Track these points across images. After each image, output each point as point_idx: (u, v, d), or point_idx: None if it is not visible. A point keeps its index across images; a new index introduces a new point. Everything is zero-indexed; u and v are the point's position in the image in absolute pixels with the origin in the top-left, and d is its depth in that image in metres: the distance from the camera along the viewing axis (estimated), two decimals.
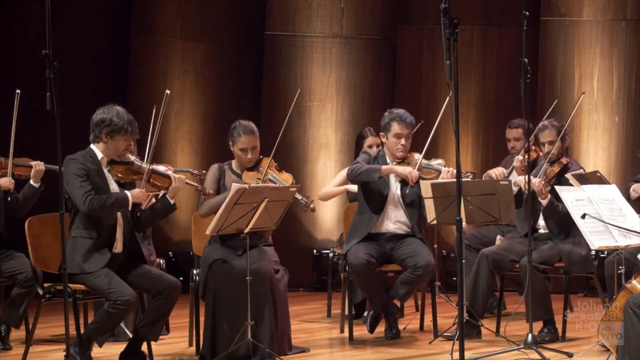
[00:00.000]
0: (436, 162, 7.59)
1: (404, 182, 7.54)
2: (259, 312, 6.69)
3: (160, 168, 6.65)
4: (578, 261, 7.41)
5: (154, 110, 6.59)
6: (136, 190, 6.46)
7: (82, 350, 6.34)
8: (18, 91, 7.24)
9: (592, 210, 6.24)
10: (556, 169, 7.50)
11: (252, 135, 7.01)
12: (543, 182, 7.32)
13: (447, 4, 5.38)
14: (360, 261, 7.33)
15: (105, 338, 6.53)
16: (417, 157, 7.54)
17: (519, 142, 8.55)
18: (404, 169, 7.42)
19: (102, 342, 6.51)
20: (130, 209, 6.45)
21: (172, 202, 6.60)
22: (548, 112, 7.72)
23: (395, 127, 7.52)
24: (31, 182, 7.33)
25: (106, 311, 6.31)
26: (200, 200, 7.06)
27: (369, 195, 7.57)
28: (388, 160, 7.62)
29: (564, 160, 7.53)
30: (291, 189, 6.76)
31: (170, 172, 6.61)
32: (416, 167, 7.47)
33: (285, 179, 6.98)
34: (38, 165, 7.32)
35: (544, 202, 7.36)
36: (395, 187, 7.58)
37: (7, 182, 7.26)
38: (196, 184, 6.80)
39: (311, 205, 6.95)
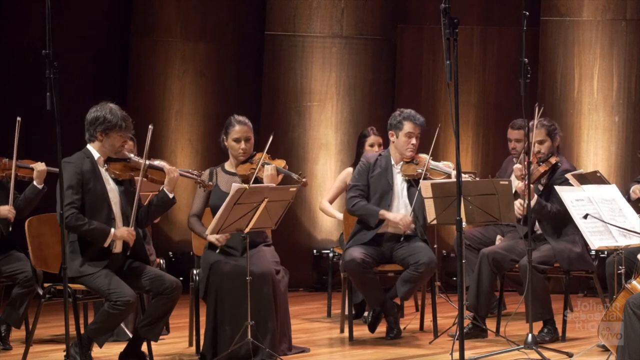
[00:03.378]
0: (443, 164, 7.59)
1: (410, 182, 7.53)
2: (260, 312, 6.69)
3: (156, 162, 6.64)
4: (574, 259, 7.40)
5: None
6: (123, 230, 6.41)
7: (82, 350, 6.34)
8: (19, 119, 7.23)
9: (592, 210, 6.24)
10: (543, 169, 7.48)
11: (245, 126, 7.05)
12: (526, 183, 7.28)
13: (447, 4, 5.38)
14: (354, 260, 7.34)
15: (106, 338, 6.53)
16: (426, 157, 7.53)
17: (520, 144, 8.52)
18: (395, 217, 7.43)
19: (103, 342, 6.51)
20: (107, 245, 6.36)
21: (170, 195, 6.59)
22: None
23: (408, 126, 7.53)
24: (34, 183, 7.33)
25: (106, 311, 6.31)
26: (190, 212, 7.09)
27: (374, 197, 7.56)
28: (392, 161, 7.61)
29: (552, 160, 7.52)
30: (291, 189, 6.76)
31: (163, 165, 6.59)
32: (425, 168, 7.47)
33: (278, 163, 6.99)
34: (39, 166, 7.31)
35: (531, 203, 7.33)
36: (400, 187, 7.57)
37: (6, 210, 7.22)
38: (194, 176, 6.78)
39: (304, 180, 6.95)
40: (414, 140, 7.54)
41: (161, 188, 6.63)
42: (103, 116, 6.44)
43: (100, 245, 6.36)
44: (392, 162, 7.62)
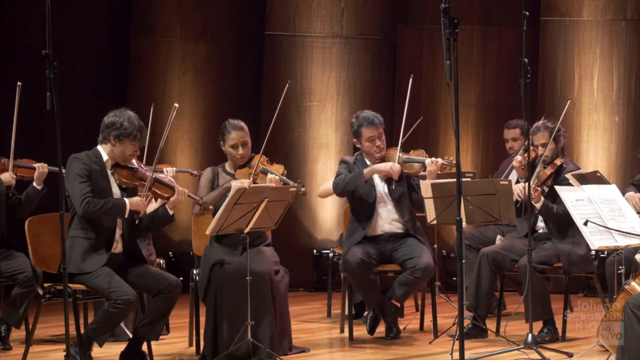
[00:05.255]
0: (416, 154, 7.56)
1: (388, 179, 7.54)
2: (259, 313, 6.69)
3: (164, 178, 6.64)
4: (577, 261, 7.41)
5: (152, 111, 6.55)
6: (136, 199, 6.45)
7: (82, 350, 6.35)
8: (19, 83, 7.23)
9: (592, 210, 6.23)
10: (549, 171, 7.50)
11: (241, 131, 7.06)
12: (534, 185, 7.29)
13: (447, 4, 5.37)
14: (355, 260, 7.34)
15: (106, 338, 6.53)
16: (395, 152, 7.51)
17: (517, 143, 8.54)
18: (385, 166, 7.42)
19: (103, 341, 6.52)
20: (126, 216, 6.43)
21: (170, 213, 6.59)
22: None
23: (366, 132, 7.52)
24: (34, 184, 7.34)
25: (107, 311, 6.31)
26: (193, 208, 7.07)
27: (358, 200, 7.56)
28: (368, 163, 7.61)
29: (557, 161, 7.53)
30: (291, 189, 6.77)
31: (174, 184, 6.59)
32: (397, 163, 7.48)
33: (276, 169, 7.01)
34: (41, 168, 7.33)
35: (537, 205, 7.35)
36: (381, 187, 7.58)
37: (8, 177, 7.27)
38: (197, 198, 6.76)
39: (302, 189, 6.96)
40: (377, 142, 7.52)
41: (163, 203, 6.62)
42: (120, 122, 6.46)
43: (122, 217, 6.39)
44: (368, 164, 7.61)
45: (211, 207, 6.89)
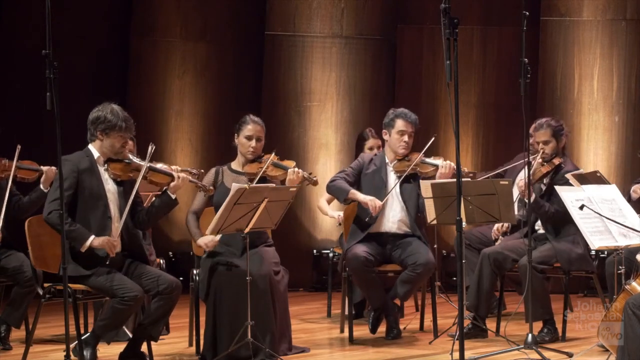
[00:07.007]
0: (434, 158, 7.59)
1: (404, 180, 7.54)
2: (259, 313, 6.69)
3: (159, 165, 6.64)
4: (575, 259, 7.41)
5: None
6: (104, 239, 6.36)
7: (81, 350, 6.33)
8: (19, 146, 7.24)
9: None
10: (545, 169, 7.50)
11: (259, 126, 7.11)
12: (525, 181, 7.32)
13: (447, 4, 5.38)
14: (358, 259, 7.35)
15: (114, 335, 6.53)
16: (418, 154, 7.54)
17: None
18: (365, 197, 7.45)
19: (111, 338, 6.51)
20: (83, 250, 6.33)
21: (173, 197, 6.59)
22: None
23: (400, 124, 7.56)
24: (41, 186, 7.34)
25: (114, 307, 6.30)
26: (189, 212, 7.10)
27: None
28: (387, 160, 7.63)
29: (556, 160, 7.53)
30: (291, 189, 6.77)
31: (171, 171, 6.60)
32: (415, 162, 7.48)
33: (288, 163, 7.03)
34: (50, 172, 7.31)
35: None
36: (393, 185, 7.59)
37: None
38: (198, 182, 6.79)
39: (315, 178, 7.00)
40: (406, 138, 7.56)
41: (164, 189, 6.62)
42: (104, 116, 6.46)
43: (78, 249, 6.35)
44: (387, 161, 7.64)
45: (211, 188, 6.91)
